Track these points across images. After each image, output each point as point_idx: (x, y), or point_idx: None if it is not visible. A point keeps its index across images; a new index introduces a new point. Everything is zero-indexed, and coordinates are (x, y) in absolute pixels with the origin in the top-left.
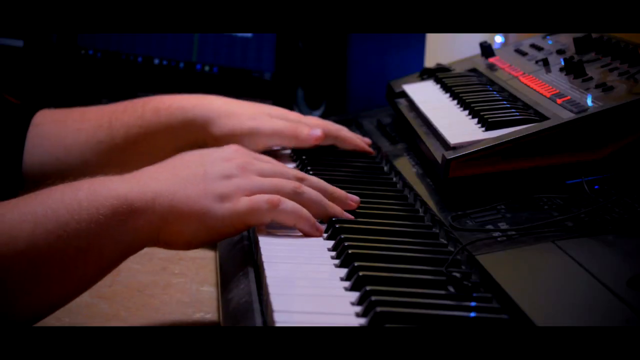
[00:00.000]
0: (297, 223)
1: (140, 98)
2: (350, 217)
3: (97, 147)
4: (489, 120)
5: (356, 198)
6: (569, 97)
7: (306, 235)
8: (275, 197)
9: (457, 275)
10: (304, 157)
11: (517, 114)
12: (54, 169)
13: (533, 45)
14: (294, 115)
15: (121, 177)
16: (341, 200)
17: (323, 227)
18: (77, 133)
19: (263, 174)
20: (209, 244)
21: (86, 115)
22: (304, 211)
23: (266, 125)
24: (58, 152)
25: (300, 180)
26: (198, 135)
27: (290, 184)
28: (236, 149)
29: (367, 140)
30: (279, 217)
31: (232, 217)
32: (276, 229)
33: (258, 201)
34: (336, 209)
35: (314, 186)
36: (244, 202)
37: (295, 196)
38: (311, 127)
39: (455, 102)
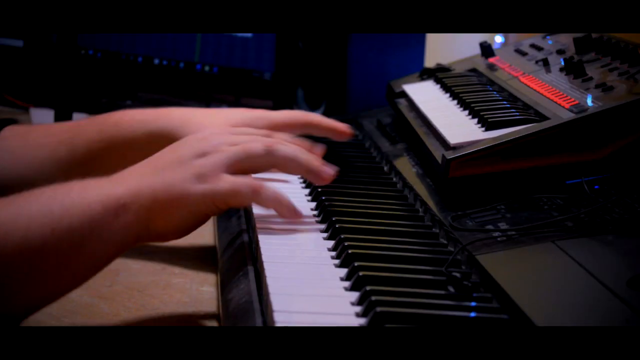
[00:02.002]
0: (277, 208)
1: (104, 114)
2: (330, 172)
3: (57, 164)
4: (489, 120)
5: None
6: (569, 97)
7: (286, 218)
8: (258, 183)
9: (457, 275)
10: None
11: (517, 114)
12: (16, 183)
13: (533, 45)
14: (259, 112)
15: (109, 178)
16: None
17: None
18: (38, 149)
19: (237, 144)
20: (200, 226)
21: (51, 130)
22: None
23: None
24: (19, 167)
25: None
26: (165, 147)
27: (262, 146)
28: (211, 129)
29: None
30: (260, 201)
31: (213, 197)
32: (276, 228)
33: (240, 185)
34: (313, 163)
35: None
36: (224, 183)
37: (269, 156)
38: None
39: (455, 102)
